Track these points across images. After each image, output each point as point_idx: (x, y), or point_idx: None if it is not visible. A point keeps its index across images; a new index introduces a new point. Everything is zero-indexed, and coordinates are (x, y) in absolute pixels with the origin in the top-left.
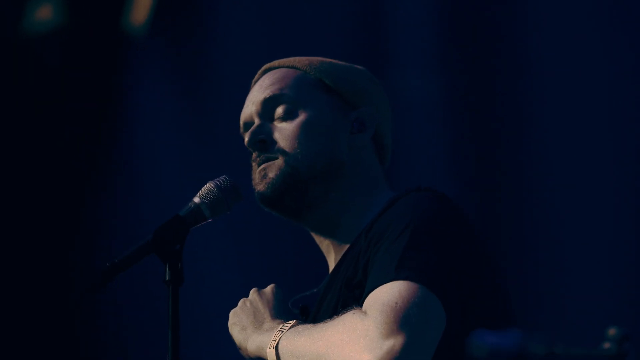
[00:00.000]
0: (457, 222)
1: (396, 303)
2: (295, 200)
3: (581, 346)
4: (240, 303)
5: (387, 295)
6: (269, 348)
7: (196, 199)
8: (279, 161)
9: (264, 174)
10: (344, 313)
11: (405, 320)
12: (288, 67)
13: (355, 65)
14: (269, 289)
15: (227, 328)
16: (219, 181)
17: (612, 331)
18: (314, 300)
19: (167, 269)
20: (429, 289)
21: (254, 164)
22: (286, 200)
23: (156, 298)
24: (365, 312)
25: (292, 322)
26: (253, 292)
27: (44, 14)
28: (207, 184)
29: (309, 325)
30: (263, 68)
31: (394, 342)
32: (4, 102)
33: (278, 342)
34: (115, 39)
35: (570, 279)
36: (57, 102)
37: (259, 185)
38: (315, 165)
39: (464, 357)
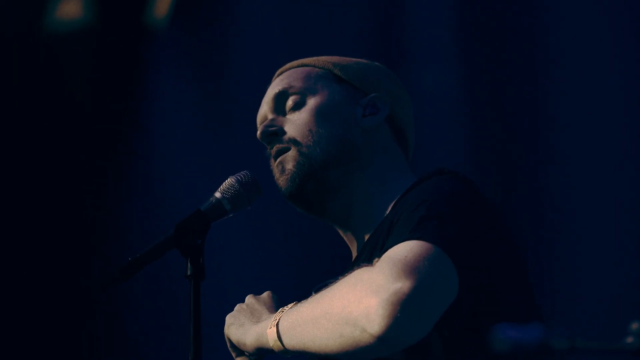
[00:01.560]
0: (478, 201)
1: (406, 256)
2: (316, 189)
3: (603, 340)
4: (236, 307)
5: (398, 250)
6: (269, 328)
7: (217, 194)
8: (293, 152)
9: (282, 168)
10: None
11: (414, 270)
12: (298, 66)
13: (370, 61)
14: (265, 294)
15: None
16: (240, 176)
17: (635, 325)
18: None
19: (189, 264)
20: (439, 248)
21: (271, 159)
22: (308, 190)
23: (178, 293)
24: (373, 267)
25: (290, 305)
26: (249, 297)
27: (65, 11)
28: (229, 179)
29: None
30: (277, 72)
31: (402, 286)
32: (25, 99)
33: (279, 320)
34: (135, 34)
35: (593, 272)
36: (76, 99)
37: (280, 181)
38: (329, 150)
39: (485, 347)
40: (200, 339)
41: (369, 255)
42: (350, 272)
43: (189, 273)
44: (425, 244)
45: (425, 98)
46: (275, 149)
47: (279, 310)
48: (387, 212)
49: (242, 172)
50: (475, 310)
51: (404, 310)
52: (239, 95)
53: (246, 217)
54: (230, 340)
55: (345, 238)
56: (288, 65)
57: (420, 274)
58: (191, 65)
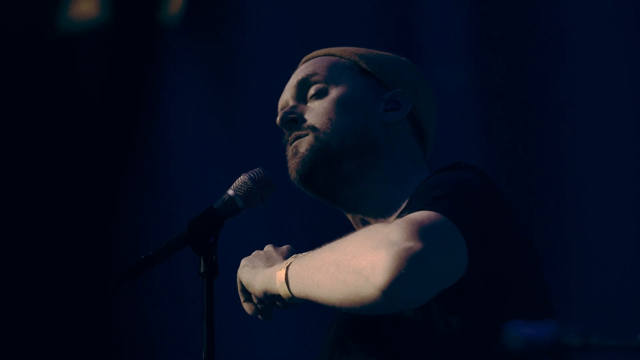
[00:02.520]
0: (497, 196)
1: (422, 220)
2: (326, 176)
3: (617, 337)
4: (254, 252)
5: (415, 215)
6: (279, 270)
7: (230, 191)
8: (309, 137)
9: (295, 151)
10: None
11: (428, 233)
12: (325, 55)
13: (396, 55)
14: (285, 246)
15: (260, 320)
16: (253, 173)
17: None
18: None
19: (202, 262)
20: (455, 223)
21: (287, 146)
22: (318, 175)
23: (191, 291)
24: (388, 223)
25: (295, 255)
26: (268, 245)
27: (78, 9)
28: (241, 176)
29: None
30: (303, 60)
31: (413, 245)
32: (39, 98)
33: (289, 264)
34: (149, 32)
35: (607, 269)
36: (90, 98)
37: (292, 161)
38: (345, 140)
39: (491, 339)
40: (214, 337)
41: None
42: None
43: (202, 270)
44: (440, 216)
45: (438, 95)
46: (293, 135)
47: (293, 256)
48: (403, 207)
49: (255, 170)
50: (484, 302)
51: (410, 268)
52: (253, 92)
53: (259, 214)
54: (241, 283)
55: (356, 228)
56: (315, 52)
57: (433, 237)
58: (205, 62)
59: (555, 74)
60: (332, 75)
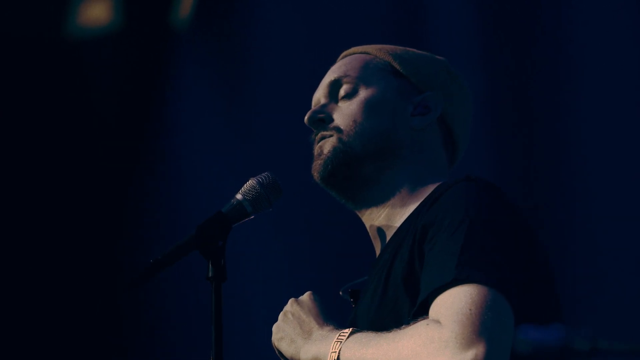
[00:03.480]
0: (510, 214)
1: (470, 310)
2: (346, 178)
3: (625, 341)
4: (281, 316)
5: (458, 302)
6: (331, 352)
7: (238, 196)
8: (333, 138)
9: (320, 151)
10: (414, 323)
11: (483, 328)
12: (361, 53)
13: (436, 56)
14: (306, 296)
15: (270, 322)
16: (261, 178)
17: None
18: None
19: (210, 266)
20: (497, 290)
21: (314, 144)
22: (338, 176)
23: (199, 295)
24: (438, 322)
25: (347, 331)
26: (292, 303)
27: (89, 14)
28: (250, 181)
29: (371, 334)
30: (341, 55)
31: (476, 352)
32: (50, 102)
33: (339, 353)
34: (158, 36)
35: (616, 272)
36: (101, 101)
37: (315, 162)
38: (369, 144)
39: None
40: (222, 341)
41: (392, 255)
42: (412, 324)
43: (210, 275)
44: (481, 290)
45: None
46: (319, 135)
47: (336, 338)
48: (413, 211)
49: (263, 174)
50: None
51: None
52: (262, 96)
53: (268, 219)
54: (281, 353)
55: (369, 231)
56: (351, 50)
57: (489, 332)
58: (214, 66)
59: (565, 80)
60: (364, 75)
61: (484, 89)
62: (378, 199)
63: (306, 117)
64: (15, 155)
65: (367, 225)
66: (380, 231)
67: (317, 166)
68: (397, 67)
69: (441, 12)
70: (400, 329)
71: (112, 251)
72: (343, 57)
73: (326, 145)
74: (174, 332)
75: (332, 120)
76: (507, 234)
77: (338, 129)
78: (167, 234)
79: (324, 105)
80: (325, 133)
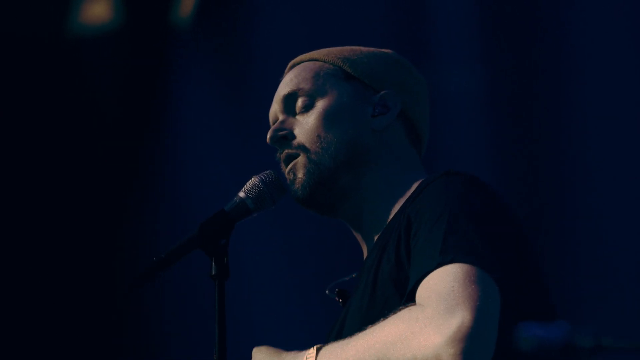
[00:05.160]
0: (491, 203)
1: (453, 287)
2: (326, 194)
3: (629, 339)
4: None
5: (442, 282)
6: (308, 355)
7: (241, 194)
8: (302, 159)
9: (293, 176)
10: (395, 312)
11: (467, 298)
12: (309, 60)
13: (382, 50)
14: (263, 347)
15: (273, 320)
16: (263, 176)
17: None
18: (352, 285)
19: (213, 264)
20: (480, 268)
21: (281, 163)
22: (318, 196)
23: (203, 293)
24: (421, 305)
25: (317, 345)
26: (254, 351)
27: (89, 13)
28: (252, 179)
29: (346, 338)
30: (289, 65)
31: (462, 320)
32: (51, 101)
33: (316, 355)
34: (160, 36)
35: (619, 270)
36: (102, 100)
37: (292, 187)
38: (338, 155)
39: (509, 343)
40: (225, 338)
41: (378, 255)
42: (392, 313)
43: (213, 273)
44: (464, 267)
45: (448, 98)
46: (285, 153)
47: (312, 348)
48: (395, 210)
49: (266, 172)
50: (504, 315)
51: (473, 343)
52: (264, 94)
53: (270, 217)
54: None
55: (356, 236)
56: (299, 58)
57: (474, 302)
58: (216, 65)
59: (567, 78)
60: (317, 85)
61: (484, 88)
62: (360, 205)
63: (268, 137)
64: (16, 154)
65: (354, 230)
66: (367, 235)
67: (294, 190)
68: (348, 70)
69: (441, 11)
70: (381, 320)
71: (114, 250)
72: (292, 67)
73: (298, 168)
74: (177, 330)
75: (294, 136)
76: (488, 221)
77: (304, 148)
78: (170, 232)
79: (282, 122)
80: (290, 152)
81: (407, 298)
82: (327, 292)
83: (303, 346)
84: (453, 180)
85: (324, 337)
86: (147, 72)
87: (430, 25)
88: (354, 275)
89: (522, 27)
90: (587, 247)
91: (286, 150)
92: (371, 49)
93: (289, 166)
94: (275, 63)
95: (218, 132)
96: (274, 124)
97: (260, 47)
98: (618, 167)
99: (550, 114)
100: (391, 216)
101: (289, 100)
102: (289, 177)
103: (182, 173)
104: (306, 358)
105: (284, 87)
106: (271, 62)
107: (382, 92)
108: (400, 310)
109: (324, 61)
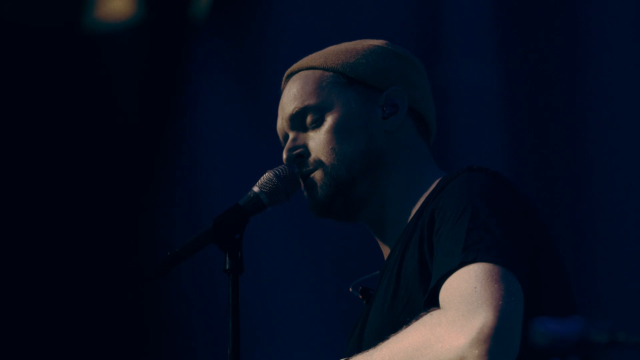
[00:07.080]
0: (514, 199)
1: (475, 288)
2: (344, 205)
3: None
4: None
5: (464, 283)
6: None
7: (255, 188)
8: (319, 173)
9: (311, 191)
10: (417, 318)
11: (489, 298)
12: (307, 68)
13: (375, 43)
14: None
15: (287, 314)
16: (278, 170)
17: None
18: (375, 283)
19: (227, 258)
20: (503, 266)
21: (300, 180)
22: (336, 207)
23: (217, 287)
24: (444, 308)
25: None
26: None
27: (108, 8)
28: (267, 173)
29: (369, 350)
30: (285, 74)
31: (485, 320)
32: (70, 98)
33: None
34: (177, 33)
35: (634, 266)
36: (119, 95)
37: (310, 201)
38: (354, 165)
39: (523, 336)
40: (239, 332)
41: (401, 253)
42: (420, 318)
43: (227, 267)
44: (487, 266)
45: (463, 94)
46: (303, 172)
47: None
48: (416, 209)
49: (280, 166)
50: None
51: (497, 343)
52: (279, 90)
53: (285, 211)
54: None
55: (376, 237)
56: (296, 66)
57: (497, 301)
58: (232, 60)
59: (582, 74)
60: (322, 98)
61: (500, 83)
62: (379, 208)
63: (284, 158)
64: (35, 149)
65: (373, 232)
66: (388, 234)
67: (313, 205)
68: (349, 75)
69: (457, 6)
70: (404, 328)
71: (130, 244)
72: (290, 76)
73: (315, 183)
74: (191, 324)
75: (309, 153)
76: (511, 217)
77: (320, 163)
78: (185, 226)
79: (294, 140)
80: (308, 169)
81: (429, 295)
82: (350, 289)
83: (322, 343)
84: (475, 176)
85: (341, 334)
86: (166, 68)
87: (445, 20)
88: (376, 273)
89: (538, 22)
90: (603, 243)
91: (304, 169)
92: (365, 43)
93: (307, 181)
94: (292, 59)
95: (234, 127)
96: (283, 139)
97: (278, 42)
98: (635, 162)
99: (566, 109)
100: (412, 215)
101: (297, 118)
102: (307, 191)
103: (198, 168)
104: None
105: (289, 103)
106: (289, 58)
107: (388, 91)
108: (422, 316)
109: (324, 69)
